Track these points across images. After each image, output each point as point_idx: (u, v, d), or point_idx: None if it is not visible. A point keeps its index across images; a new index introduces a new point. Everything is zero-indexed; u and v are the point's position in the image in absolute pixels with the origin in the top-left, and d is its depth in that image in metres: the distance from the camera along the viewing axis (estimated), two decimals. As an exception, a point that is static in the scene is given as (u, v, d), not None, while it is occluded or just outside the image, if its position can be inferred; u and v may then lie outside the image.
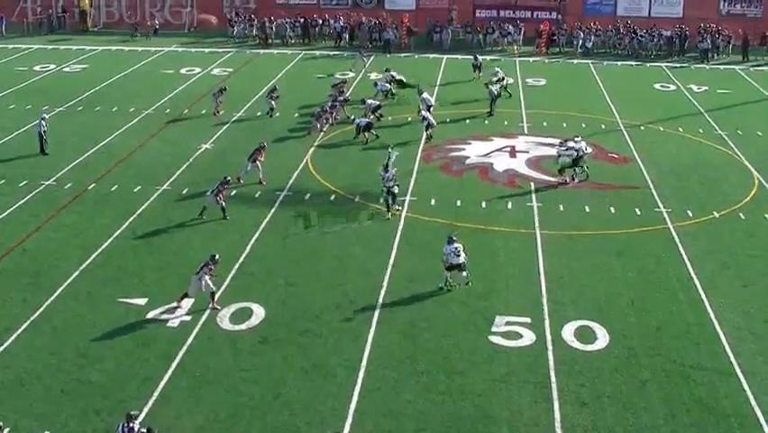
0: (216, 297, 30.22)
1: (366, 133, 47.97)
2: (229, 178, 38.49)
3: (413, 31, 77.83)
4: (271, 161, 43.32)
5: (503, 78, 57.99)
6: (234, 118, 52.87)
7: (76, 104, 56.51)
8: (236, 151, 45.92)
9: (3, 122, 51.81)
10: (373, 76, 60.89)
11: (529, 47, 76.02)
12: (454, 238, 32.10)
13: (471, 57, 65.54)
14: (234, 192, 40.06)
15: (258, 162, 41.60)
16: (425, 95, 52.22)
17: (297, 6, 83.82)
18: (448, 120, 52.66)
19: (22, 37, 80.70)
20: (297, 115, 53.45)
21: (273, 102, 53.31)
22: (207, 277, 29.81)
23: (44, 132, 45.97)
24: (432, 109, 51.00)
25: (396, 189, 37.92)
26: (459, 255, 31.39)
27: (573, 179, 42.26)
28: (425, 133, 48.37)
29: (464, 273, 31.57)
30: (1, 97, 58.04)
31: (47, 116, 47.98)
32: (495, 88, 54.89)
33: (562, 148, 43.03)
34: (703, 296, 31.31)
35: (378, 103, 52.46)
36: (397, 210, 38.15)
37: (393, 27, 77.20)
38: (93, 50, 74.64)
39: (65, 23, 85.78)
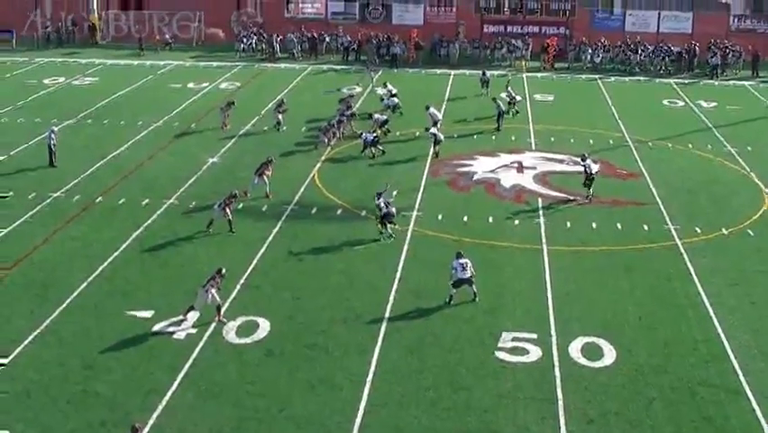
0: (223, 310, 30.19)
1: (373, 149, 47.94)
2: (236, 192, 38.52)
3: (421, 46, 77.93)
4: (278, 174, 43.34)
5: (514, 98, 57.87)
6: (242, 132, 52.92)
7: (84, 117, 56.61)
8: (244, 164, 45.96)
9: (12, 134, 51.91)
10: (380, 91, 60.73)
11: (537, 62, 75.96)
12: (463, 253, 32.11)
13: (479, 72, 65.50)
14: (241, 206, 40.08)
15: (265, 176, 41.60)
16: (432, 110, 52.25)
17: (304, 21, 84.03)
18: (455, 135, 52.63)
19: (32, 50, 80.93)
20: (304, 129, 53.47)
21: (281, 116, 53.37)
22: (214, 290, 29.79)
23: (53, 144, 46.04)
24: (439, 124, 50.99)
25: (392, 210, 37.63)
26: (466, 270, 31.36)
27: (589, 199, 42.00)
28: (432, 150, 48.30)
29: (472, 288, 31.54)
30: (11, 110, 58.12)
31: (56, 129, 48.09)
32: (503, 103, 54.89)
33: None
34: (711, 313, 31.20)
35: (385, 118, 52.50)
36: (382, 233, 37.74)
37: (401, 42, 77.28)
38: (102, 64, 74.82)
39: (74, 37, 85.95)
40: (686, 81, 70.91)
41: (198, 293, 29.91)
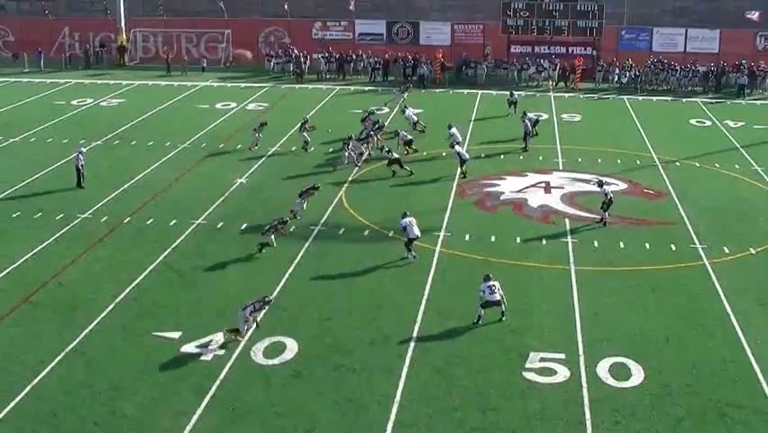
0: (246, 334, 30.16)
1: (394, 167, 47.97)
2: (287, 218, 38.73)
3: (447, 66, 78.06)
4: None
5: (536, 120, 57.78)
6: (270, 153, 53.02)
7: (112, 138, 56.94)
8: (271, 185, 46.22)
9: (40, 155, 52.24)
10: (408, 112, 60.46)
11: (564, 82, 75.88)
12: (491, 276, 32.20)
13: (507, 92, 65.53)
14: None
15: (306, 200, 41.60)
16: (452, 129, 52.31)
17: (332, 42, 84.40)
18: (483, 155, 52.66)
19: (60, 71, 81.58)
20: (331, 149, 53.50)
21: (307, 134, 53.45)
22: (251, 313, 29.78)
23: (81, 165, 46.29)
24: (459, 146, 50.79)
25: (414, 230, 37.33)
26: (494, 292, 31.40)
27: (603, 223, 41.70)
28: (459, 169, 48.27)
29: (501, 308, 31.50)
30: (39, 131, 58.56)
31: (84, 150, 48.32)
32: (530, 123, 54.77)
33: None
34: (740, 333, 31.00)
35: (410, 137, 52.51)
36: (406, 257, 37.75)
37: (427, 63, 77.45)
38: (130, 85, 75.29)
39: (102, 58, 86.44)
40: (713, 101, 70.69)
41: (239, 316, 29.98)
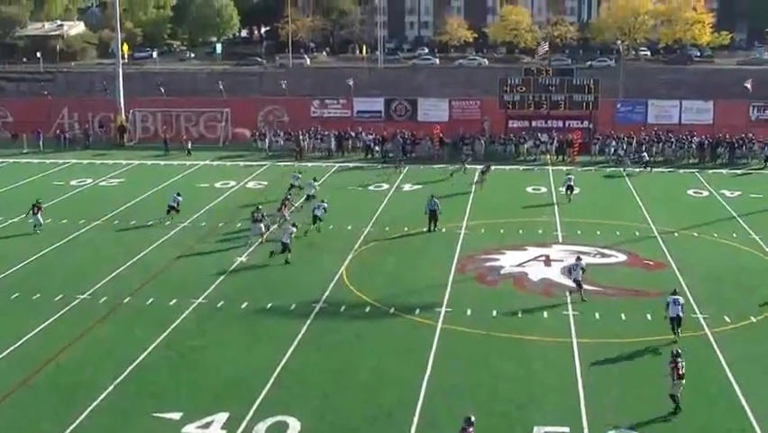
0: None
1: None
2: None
3: (445, 141, 78.48)
4: (307, 272, 43.61)
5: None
6: (271, 230, 52.90)
7: (112, 217, 56.97)
8: (272, 264, 46.10)
9: (39, 236, 52.18)
10: (407, 187, 60.56)
11: (562, 156, 76.31)
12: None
13: (506, 167, 65.78)
14: (270, 305, 40.13)
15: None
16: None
17: (330, 120, 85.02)
18: (482, 230, 52.71)
19: (59, 152, 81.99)
20: (331, 226, 53.41)
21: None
22: None
23: None
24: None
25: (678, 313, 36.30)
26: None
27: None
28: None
29: None
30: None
31: None
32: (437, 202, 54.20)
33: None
34: (743, 402, 30.86)
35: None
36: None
37: (426, 139, 78.04)
38: (129, 165, 75.61)
39: (102, 139, 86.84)
40: (709, 171, 71.06)
41: None
